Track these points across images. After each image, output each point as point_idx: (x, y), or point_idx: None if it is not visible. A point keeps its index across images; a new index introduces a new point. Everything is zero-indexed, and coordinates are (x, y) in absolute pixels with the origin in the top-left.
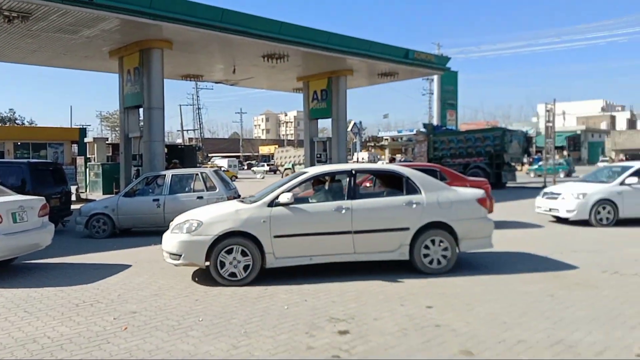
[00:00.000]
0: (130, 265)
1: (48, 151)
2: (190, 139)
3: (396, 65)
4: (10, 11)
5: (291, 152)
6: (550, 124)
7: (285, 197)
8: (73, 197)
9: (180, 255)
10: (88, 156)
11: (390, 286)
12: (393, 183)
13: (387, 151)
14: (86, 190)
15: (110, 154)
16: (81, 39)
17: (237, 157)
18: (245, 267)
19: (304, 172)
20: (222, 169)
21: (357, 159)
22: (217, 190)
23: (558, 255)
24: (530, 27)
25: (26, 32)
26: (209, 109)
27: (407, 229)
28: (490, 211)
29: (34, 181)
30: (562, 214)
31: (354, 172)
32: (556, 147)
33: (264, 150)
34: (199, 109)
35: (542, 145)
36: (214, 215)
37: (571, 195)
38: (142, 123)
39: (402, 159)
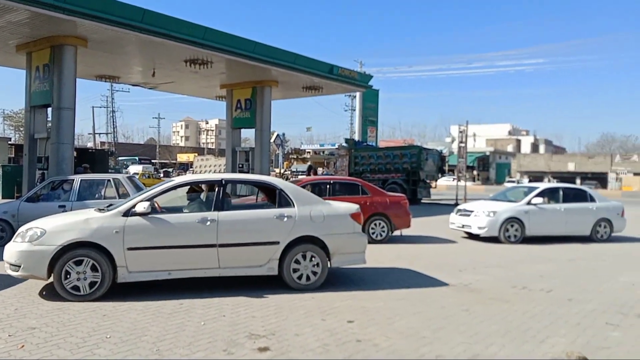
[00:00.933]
0: None
1: None
2: (103, 143)
3: (321, 80)
4: None
5: (212, 161)
6: (463, 145)
7: (142, 207)
8: None
9: (20, 266)
10: None
11: (311, 300)
12: (268, 195)
13: (309, 164)
14: None
15: (13, 155)
16: None
17: (153, 163)
18: (93, 282)
19: (170, 180)
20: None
21: (280, 171)
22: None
23: (471, 270)
24: (445, 52)
25: None
26: (124, 112)
27: (277, 242)
28: (408, 226)
29: None
30: (474, 231)
31: (223, 182)
32: (468, 167)
33: (182, 157)
34: (113, 112)
35: (455, 164)
36: (60, 224)
37: (482, 212)
38: (50, 124)
39: (324, 172)
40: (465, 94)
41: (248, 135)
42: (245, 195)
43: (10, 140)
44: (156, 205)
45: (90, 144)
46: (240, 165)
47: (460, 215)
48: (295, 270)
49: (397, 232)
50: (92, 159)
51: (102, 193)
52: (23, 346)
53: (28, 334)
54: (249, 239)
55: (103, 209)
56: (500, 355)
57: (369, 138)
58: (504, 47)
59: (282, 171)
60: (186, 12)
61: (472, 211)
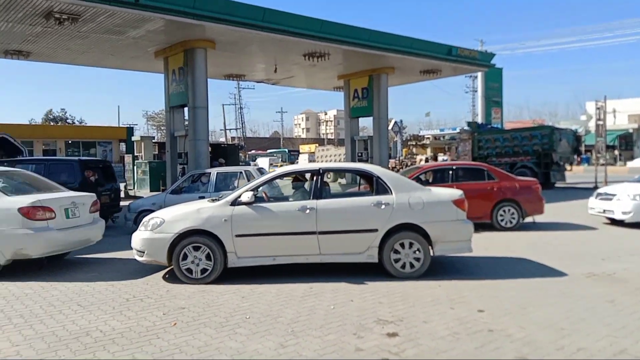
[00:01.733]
0: None
1: (97, 149)
2: (233, 138)
3: (439, 62)
4: (61, 13)
5: (332, 150)
6: (601, 122)
7: (246, 196)
8: (122, 194)
9: (144, 252)
10: (136, 154)
11: (438, 288)
12: (367, 182)
13: (429, 150)
14: (134, 188)
15: (156, 152)
16: (128, 40)
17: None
18: (207, 266)
19: (272, 172)
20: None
21: (399, 160)
22: None
23: (616, 259)
24: (577, 22)
25: (76, 33)
26: (251, 108)
27: (376, 230)
28: (541, 212)
29: (84, 179)
30: (617, 216)
31: (321, 171)
32: (607, 146)
33: (304, 149)
34: (241, 108)
35: (592, 143)
36: (176, 214)
37: (627, 196)
38: (187, 122)
39: (445, 158)
40: (601, 67)
41: (366, 123)
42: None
43: (154, 139)
44: (263, 194)
45: (222, 139)
46: (359, 154)
47: (601, 199)
48: (396, 259)
49: (529, 219)
50: (224, 153)
51: (236, 184)
52: (175, 324)
53: (179, 313)
54: (347, 226)
55: (215, 200)
56: None
57: (493, 120)
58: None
59: (400, 159)
60: (303, 7)
61: (614, 195)
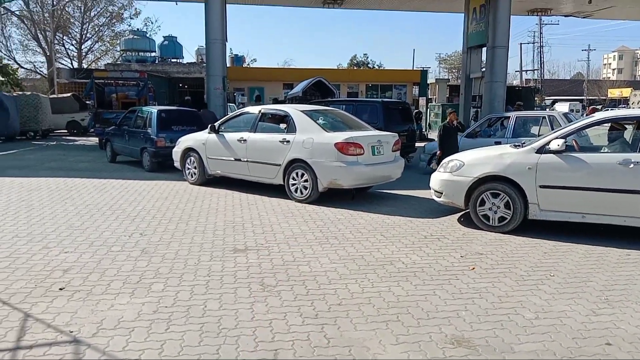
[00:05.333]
0: None
1: (393, 92)
2: (527, 80)
3: None
4: None
5: None
6: None
7: (556, 144)
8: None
9: (442, 193)
10: (429, 97)
11: None
12: None
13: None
14: (426, 130)
15: (448, 95)
16: None
17: (581, 100)
18: (505, 215)
19: (587, 118)
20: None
21: None
22: None
23: None
24: None
25: None
26: (552, 47)
27: None
28: None
29: (385, 119)
30: None
31: None
32: None
33: (613, 93)
34: (541, 47)
35: None
36: (476, 157)
37: None
38: (484, 63)
39: None
40: None
41: None
42: None
43: (448, 82)
44: (574, 143)
45: (516, 82)
46: None
47: None
48: None
49: None
50: (518, 97)
51: (537, 131)
52: (474, 268)
53: (476, 258)
54: None
55: (518, 145)
56: None
57: None
58: None
59: None
60: None
61: None
